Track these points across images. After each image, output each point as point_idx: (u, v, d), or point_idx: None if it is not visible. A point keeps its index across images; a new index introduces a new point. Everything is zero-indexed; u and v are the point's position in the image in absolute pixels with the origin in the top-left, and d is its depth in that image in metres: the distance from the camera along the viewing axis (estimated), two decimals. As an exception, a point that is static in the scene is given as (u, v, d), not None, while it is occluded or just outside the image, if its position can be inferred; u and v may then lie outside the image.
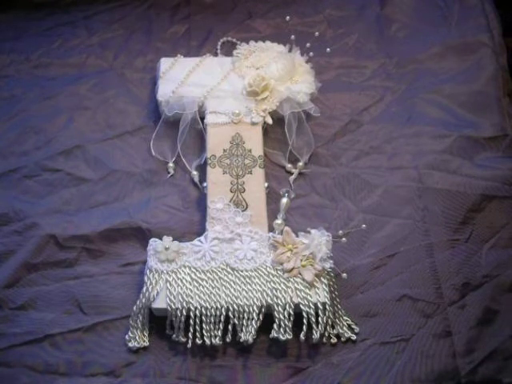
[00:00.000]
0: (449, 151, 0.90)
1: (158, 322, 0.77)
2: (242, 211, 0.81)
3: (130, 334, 0.76)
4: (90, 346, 0.76)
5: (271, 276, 0.76)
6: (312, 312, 0.74)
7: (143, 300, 0.75)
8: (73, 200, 0.87)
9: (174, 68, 0.95)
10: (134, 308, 0.75)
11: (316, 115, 0.91)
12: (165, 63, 0.95)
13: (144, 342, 0.76)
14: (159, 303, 0.75)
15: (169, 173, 0.90)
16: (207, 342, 0.73)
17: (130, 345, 0.75)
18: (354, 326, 0.77)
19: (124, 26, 1.06)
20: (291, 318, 0.74)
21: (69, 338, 0.76)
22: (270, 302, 0.74)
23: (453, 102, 0.95)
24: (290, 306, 0.74)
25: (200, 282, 0.76)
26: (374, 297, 0.79)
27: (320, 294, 0.75)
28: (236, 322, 0.74)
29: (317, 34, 0.96)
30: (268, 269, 0.77)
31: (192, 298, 0.75)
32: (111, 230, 0.83)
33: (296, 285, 0.75)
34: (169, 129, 0.92)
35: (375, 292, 0.80)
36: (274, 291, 0.75)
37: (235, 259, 0.78)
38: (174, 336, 0.75)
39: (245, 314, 0.74)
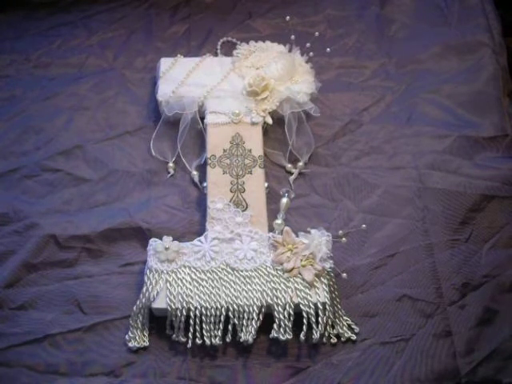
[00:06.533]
0: (449, 151, 0.90)
1: (158, 322, 0.77)
2: (242, 211, 0.81)
3: (129, 333, 0.76)
4: (90, 345, 0.76)
5: (271, 276, 0.76)
6: (312, 312, 0.74)
7: (143, 300, 0.75)
8: (73, 200, 0.87)
9: (174, 68, 0.95)
10: (134, 308, 0.75)
11: (316, 115, 0.91)
12: (165, 63, 0.95)
13: (144, 342, 0.76)
14: (159, 303, 0.75)
15: (169, 173, 0.90)
16: (207, 342, 0.73)
17: (130, 345, 0.75)
18: (353, 326, 0.77)
19: (124, 26, 1.06)
20: (291, 318, 0.74)
21: (69, 338, 0.76)
22: (270, 301, 0.74)
23: (453, 102, 0.95)
24: (289, 306, 0.74)
25: (200, 281, 0.76)
26: (373, 297, 0.79)
27: (320, 294, 0.75)
28: (236, 322, 0.74)
29: (317, 34, 0.96)
30: (268, 269, 0.77)
31: (192, 298, 0.75)
32: (111, 229, 0.83)
33: (296, 285, 0.75)
34: (169, 129, 0.92)
35: (375, 292, 0.80)
36: (274, 291, 0.75)
37: (235, 259, 0.78)
38: (174, 336, 0.75)
39: (245, 314, 0.74)
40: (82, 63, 1.02)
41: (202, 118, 0.90)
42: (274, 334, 0.74)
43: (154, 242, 0.78)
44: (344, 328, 0.77)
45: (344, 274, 0.78)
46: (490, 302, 0.78)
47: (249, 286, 0.76)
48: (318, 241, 0.77)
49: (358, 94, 0.98)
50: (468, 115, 0.94)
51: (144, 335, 0.76)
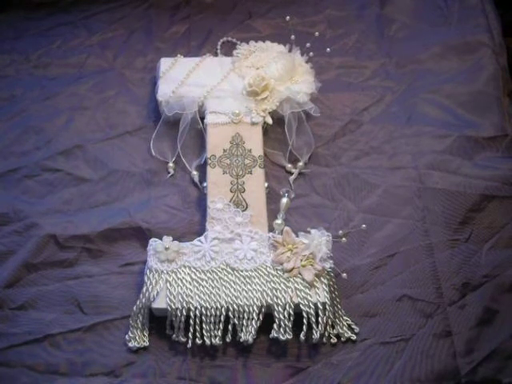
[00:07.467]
0: (449, 151, 0.90)
1: (158, 322, 0.77)
2: (242, 211, 0.81)
3: (129, 333, 0.76)
4: (90, 345, 0.76)
5: (271, 276, 0.76)
6: (312, 312, 0.74)
7: (143, 300, 0.75)
8: (73, 200, 0.87)
9: (174, 68, 0.95)
10: (134, 308, 0.75)
11: (316, 115, 0.91)
12: (165, 63, 0.95)
13: (144, 342, 0.76)
14: (159, 303, 0.75)
15: (169, 173, 0.90)
16: (207, 342, 0.73)
17: (130, 345, 0.75)
18: (354, 326, 0.77)
19: (124, 26, 1.06)
20: (291, 318, 0.74)
21: (69, 338, 0.76)
22: (270, 301, 0.74)
23: (453, 102, 0.95)
24: (289, 306, 0.74)
25: (200, 282, 0.76)
26: (374, 297, 0.79)
27: (320, 294, 0.75)
28: (236, 322, 0.74)
29: (317, 34, 0.96)
30: (268, 269, 0.77)
31: (192, 298, 0.75)
32: (111, 229, 0.83)
33: (296, 285, 0.75)
34: (169, 129, 0.92)
35: (375, 292, 0.80)
36: (274, 291, 0.75)
37: (235, 259, 0.78)
38: (174, 336, 0.75)
39: (245, 314, 0.74)
40: (82, 63, 1.02)
41: (202, 118, 0.90)
42: (273, 333, 0.74)
43: (154, 242, 0.78)
44: (344, 328, 0.77)
45: (344, 274, 0.78)
46: (490, 301, 0.78)
47: (249, 286, 0.76)
48: (318, 241, 0.77)
49: (358, 94, 0.98)
50: (468, 115, 0.94)
51: (144, 335, 0.76)
